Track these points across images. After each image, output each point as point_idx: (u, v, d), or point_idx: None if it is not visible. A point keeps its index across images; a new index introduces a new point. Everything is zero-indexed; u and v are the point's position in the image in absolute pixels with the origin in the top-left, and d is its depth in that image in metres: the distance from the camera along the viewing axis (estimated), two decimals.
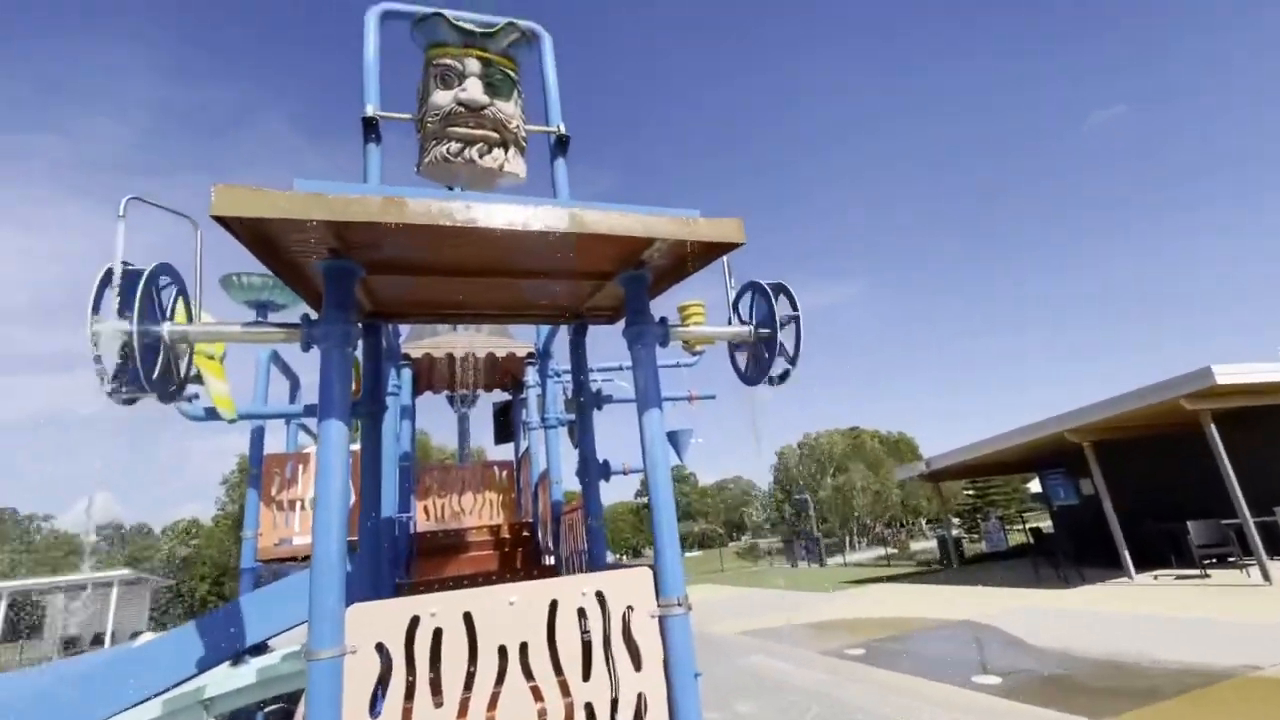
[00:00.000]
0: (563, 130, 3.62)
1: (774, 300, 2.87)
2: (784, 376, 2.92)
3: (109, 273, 1.94)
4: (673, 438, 6.05)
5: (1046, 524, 23.12)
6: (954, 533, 27.45)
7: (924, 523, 65.07)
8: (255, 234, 2.00)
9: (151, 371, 2.04)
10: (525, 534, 6.23)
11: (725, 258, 2.76)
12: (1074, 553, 15.24)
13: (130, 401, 2.02)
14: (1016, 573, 17.06)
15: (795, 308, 2.87)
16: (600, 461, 3.46)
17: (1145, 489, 16.01)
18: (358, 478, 2.99)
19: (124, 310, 1.91)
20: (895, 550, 38.19)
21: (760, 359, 2.98)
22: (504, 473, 7.37)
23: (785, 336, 2.86)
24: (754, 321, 2.99)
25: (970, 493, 53.35)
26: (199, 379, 2.90)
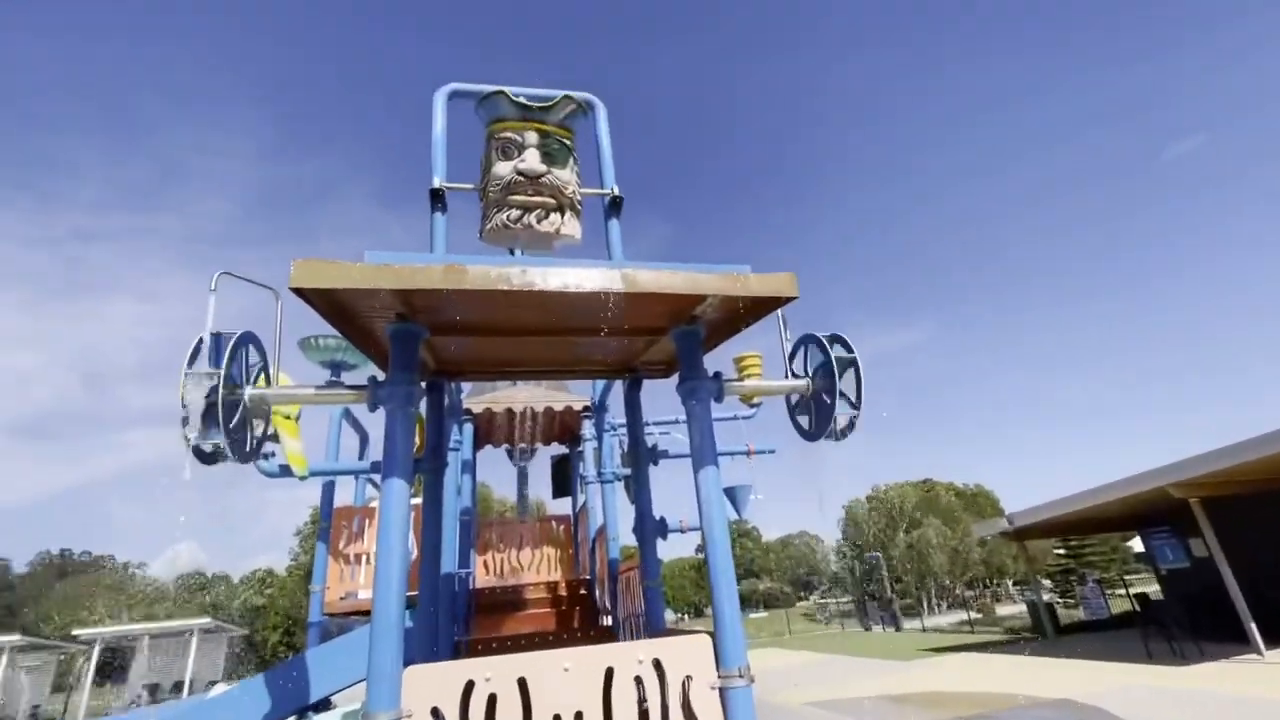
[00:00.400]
0: (616, 192, 3.75)
1: (831, 352, 2.80)
2: (847, 430, 2.81)
3: (200, 341, 2.11)
4: (731, 494, 5.90)
5: (1153, 589, 20.82)
6: (1046, 597, 25.10)
7: (1010, 584, 59.94)
8: (329, 302, 2.15)
9: (233, 432, 2.18)
10: (582, 592, 6.12)
11: (779, 311, 2.73)
12: (1189, 623, 13.60)
13: (212, 461, 2.15)
14: (1123, 645, 15.33)
15: (851, 352, 2.79)
16: (658, 519, 3.39)
17: (1271, 551, 14.26)
18: (419, 532, 3.05)
19: (211, 376, 2.07)
20: (979, 615, 35.21)
21: (820, 413, 2.89)
22: (561, 527, 7.35)
23: (845, 385, 2.77)
24: (811, 374, 2.92)
25: (1062, 552, 48.91)
26: (275, 437, 3.07)
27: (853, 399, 2.78)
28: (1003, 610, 37.66)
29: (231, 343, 2.16)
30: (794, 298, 2.39)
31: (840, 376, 2.75)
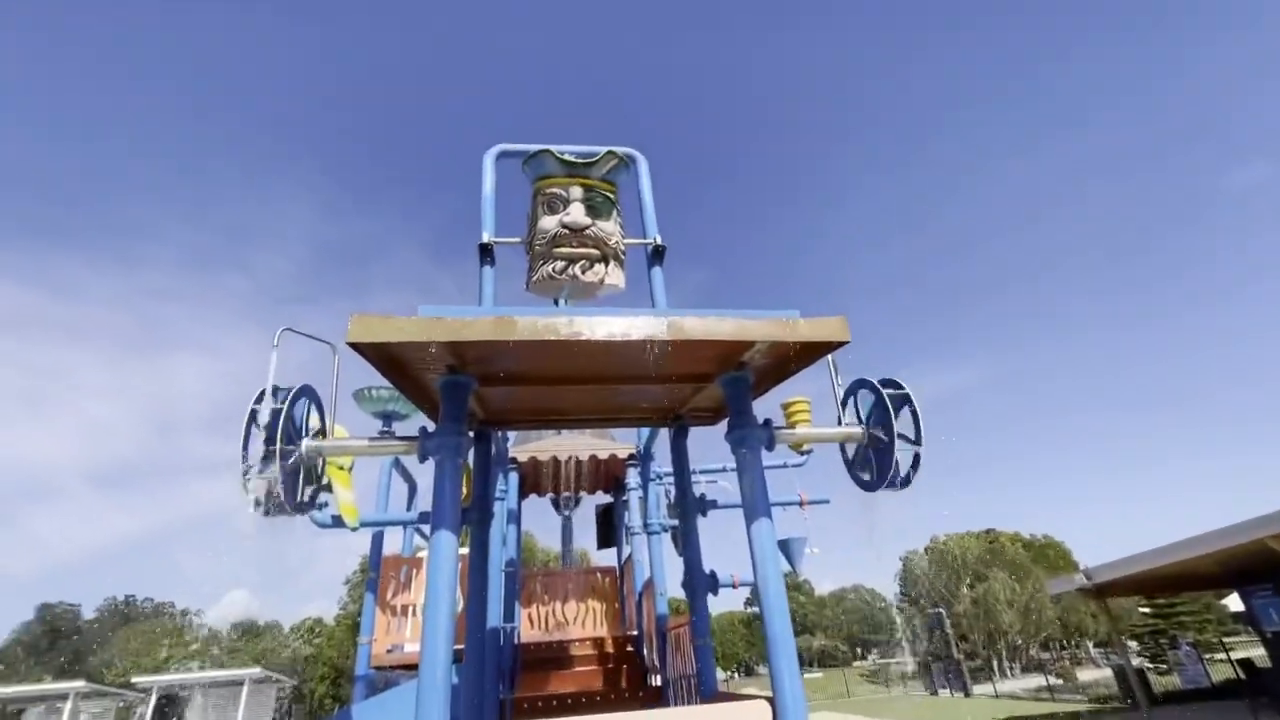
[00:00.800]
0: (659, 241, 3.80)
1: (886, 397, 2.69)
2: (910, 475, 2.67)
3: (261, 395, 2.19)
4: (784, 547, 5.65)
5: (1258, 653, 18.73)
6: (1135, 661, 22.86)
7: (1090, 646, 55.03)
8: (383, 356, 2.20)
9: (289, 483, 2.22)
10: (629, 649, 5.91)
11: (830, 356, 2.66)
12: None
13: (268, 511, 2.19)
14: (1229, 718, 13.75)
15: (910, 401, 2.67)
16: (707, 573, 3.26)
17: None
18: (466, 583, 3.01)
19: (270, 429, 2.13)
20: (1059, 679, 32.30)
21: (880, 458, 2.75)
22: (607, 579, 7.17)
23: (903, 424, 2.65)
24: (866, 421, 2.81)
25: (1148, 611, 44.69)
26: (329, 487, 3.12)
27: (912, 436, 2.65)
28: (1084, 675, 34.48)
29: (290, 396, 2.22)
30: (845, 342, 2.32)
31: (896, 415, 2.63)
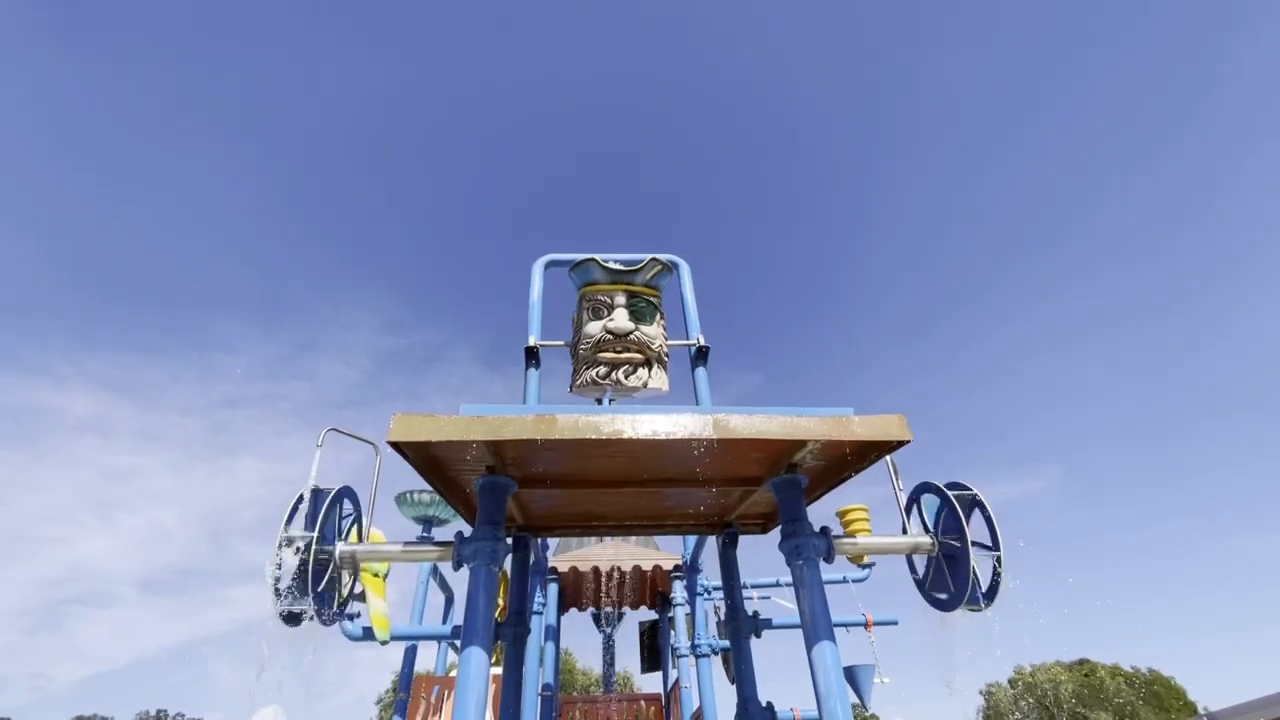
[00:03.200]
0: (702, 342, 3.81)
1: (956, 504, 2.46)
2: (992, 589, 2.36)
3: (300, 499, 2.16)
4: (850, 675, 5.06)
5: None
6: None
7: None
8: (423, 456, 2.17)
9: (321, 593, 2.13)
10: None
11: (890, 458, 2.48)
12: None
13: (296, 622, 2.09)
14: None
15: (982, 504, 2.43)
16: (764, 705, 2.90)
17: None
18: (498, 708, 2.75)
19: (305, 537, 2.08)
20: None
21: (956, 570, 2.47)
22: (652, 709, 6.55)
23: (975, 530, 2.38)
24: (935, 530, 2.56)
25: None
26: (362, 596, 3.00)
27: (988, 542, 2.38)
28: None
29: (328, 500, 2.19)
30: (905, 441, 2.16)
31: (968, 519, 2.39)
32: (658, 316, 3.77)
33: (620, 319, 3.68)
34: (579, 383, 3.68)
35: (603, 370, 3.58)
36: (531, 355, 3.78)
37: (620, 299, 3.72)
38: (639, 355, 3.60)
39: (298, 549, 2.04)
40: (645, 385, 3.56)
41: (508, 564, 3.02)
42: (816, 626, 2.14)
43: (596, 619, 7.94)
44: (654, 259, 3.76)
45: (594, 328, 3.61)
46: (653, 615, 7.59)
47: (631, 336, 3.60)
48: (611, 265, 3.71)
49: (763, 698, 2.92)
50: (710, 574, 5.42)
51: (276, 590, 2.02)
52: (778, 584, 6.07)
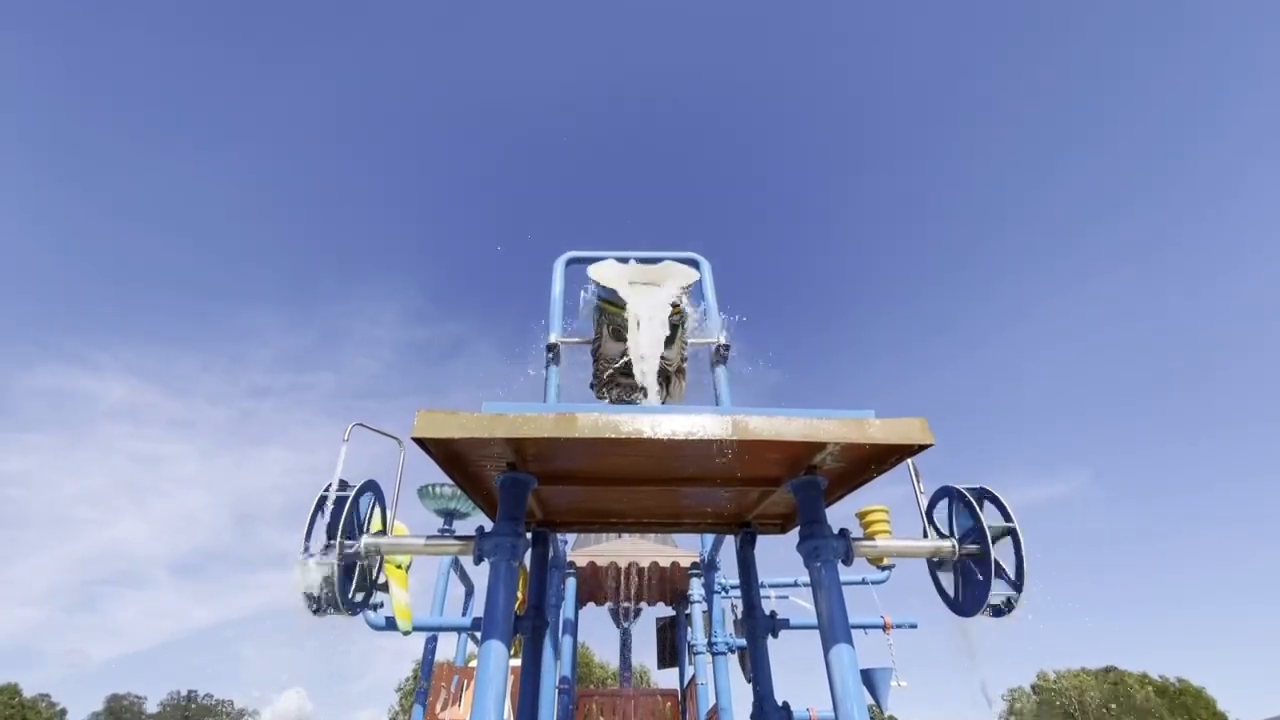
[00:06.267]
0: (723, 341, 3.79)
1: (979, 509, 2.43)
2: (1008, 606, 2.35)
3: (327, 490, 2.22)
4: (868, 678, 5.02)
5: None
6: None
7: None
8: (446, 451, 2.21)
9: (345, 584, 2.19)
10: None
11: (911, 461, 2.45)
12: None
13: (319, 611, 2.14)
14: None
15: (1009, 518, 2.39)
16: (780, 705, 2.90)
17: None
18: (516, 699, 2.80)
19: (331, 524, 2.14)
20: None
21: (972, 580, 2.45)
22: (669, 704, 6.58)
23: (1002, 554, 2.35)
24: (956, 534, 2.53)
25: None
26: (385, 587, 3.07)
27: (1011, 575, 2.34)
28: None
29: (353, 493, 2.24)
30: (928, 445, 2.14)
31: (994, 543, 2.35)
32: (679, 332, 3.74)
33: (651, 395, 3.48)
34: (598, 397, 3.82)
35: (623, 393, 3.73)
36: (552, 351, 3.82)
37: None
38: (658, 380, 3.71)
39: (326, 539, 2.09)
40: (664, 402, 3.68)
41: (527, 558, 3.06)
42: (834, 628, 2.14)
43: (614, 614, 7.99)
44: (683, 290, 3.56)
45: (615, 350, 3.63)
46: (670, 612, 7.62)
47: None
48: (635, 283, 3.64)
49: (779, 698, 2.93)
50: (728, 572, 5.42)
51: (303, 577, 2.08)
52: (796, 584, 6.04)
